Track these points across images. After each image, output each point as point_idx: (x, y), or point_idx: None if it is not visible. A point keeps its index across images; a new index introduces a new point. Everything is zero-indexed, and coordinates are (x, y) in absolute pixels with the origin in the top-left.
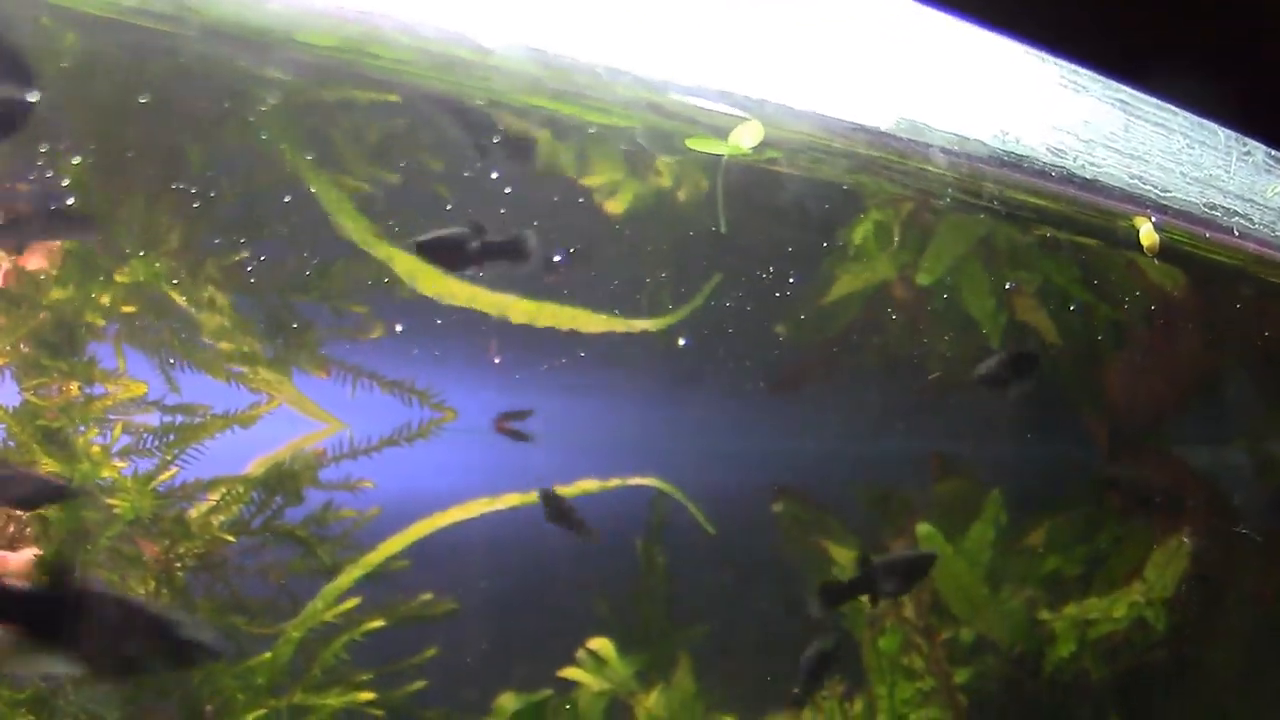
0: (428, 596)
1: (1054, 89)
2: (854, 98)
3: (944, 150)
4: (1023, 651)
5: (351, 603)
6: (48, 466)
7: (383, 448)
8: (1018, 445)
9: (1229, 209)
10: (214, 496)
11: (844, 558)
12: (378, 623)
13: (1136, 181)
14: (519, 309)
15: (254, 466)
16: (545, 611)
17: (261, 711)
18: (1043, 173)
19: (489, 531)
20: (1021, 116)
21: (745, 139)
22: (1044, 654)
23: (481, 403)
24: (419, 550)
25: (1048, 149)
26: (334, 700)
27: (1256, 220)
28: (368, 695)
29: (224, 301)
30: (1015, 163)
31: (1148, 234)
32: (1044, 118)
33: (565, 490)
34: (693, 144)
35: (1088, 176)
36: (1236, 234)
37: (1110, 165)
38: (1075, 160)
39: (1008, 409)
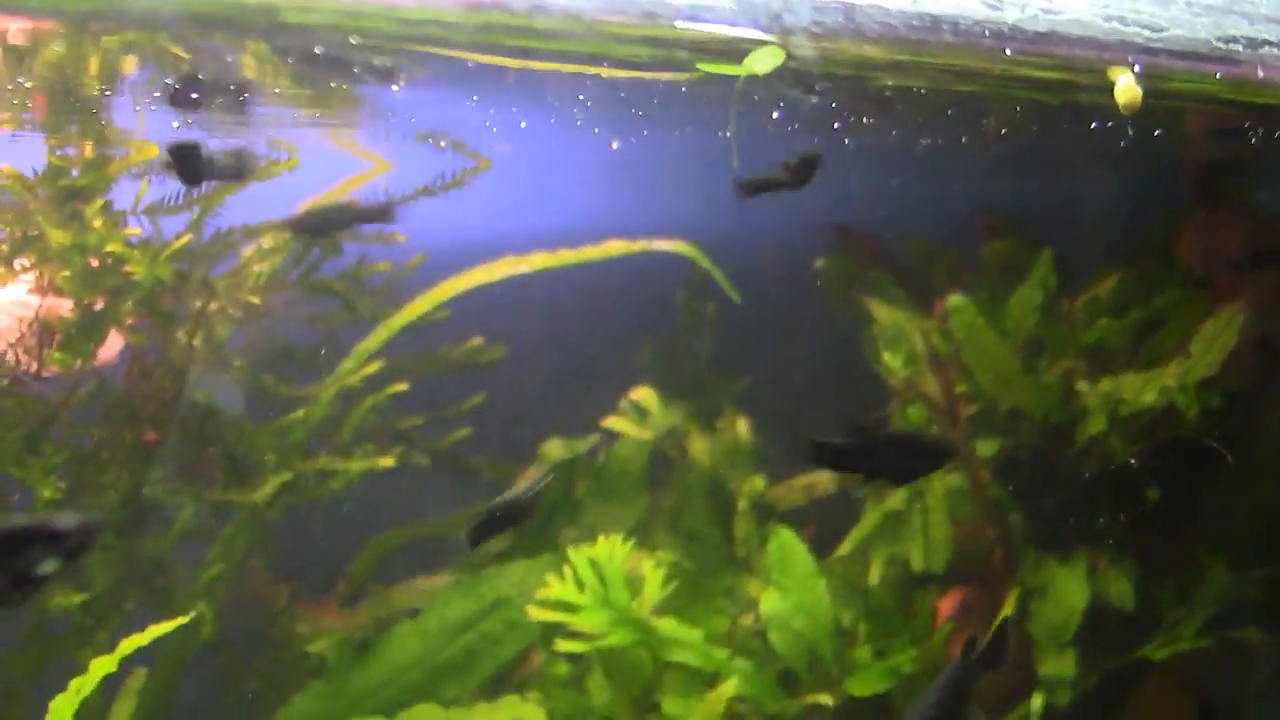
0: (478, 341)
1: None
2: None
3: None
4: (1057, 423)
5: (376, 365)
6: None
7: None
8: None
9: (1255, 39)
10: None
11: (888, 317)
12: (402, 386)
13: (1115, 25)
14: None
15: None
16: (591, 361)
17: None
18: (966, 32)
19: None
20: None
21: (760, 64)
22: (1076, 427)
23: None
24: (462, 302)
25: (983, 2)
26: (356, 464)
27: None
28: (388, 461)
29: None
30: (928, 27)
31: (1126, 88)
32: None
33: (592, 252)
34: (705, 67)
35: (1040, 30)
36: (1261, 71)
37: (1075, 9)
38: (1025, 10)
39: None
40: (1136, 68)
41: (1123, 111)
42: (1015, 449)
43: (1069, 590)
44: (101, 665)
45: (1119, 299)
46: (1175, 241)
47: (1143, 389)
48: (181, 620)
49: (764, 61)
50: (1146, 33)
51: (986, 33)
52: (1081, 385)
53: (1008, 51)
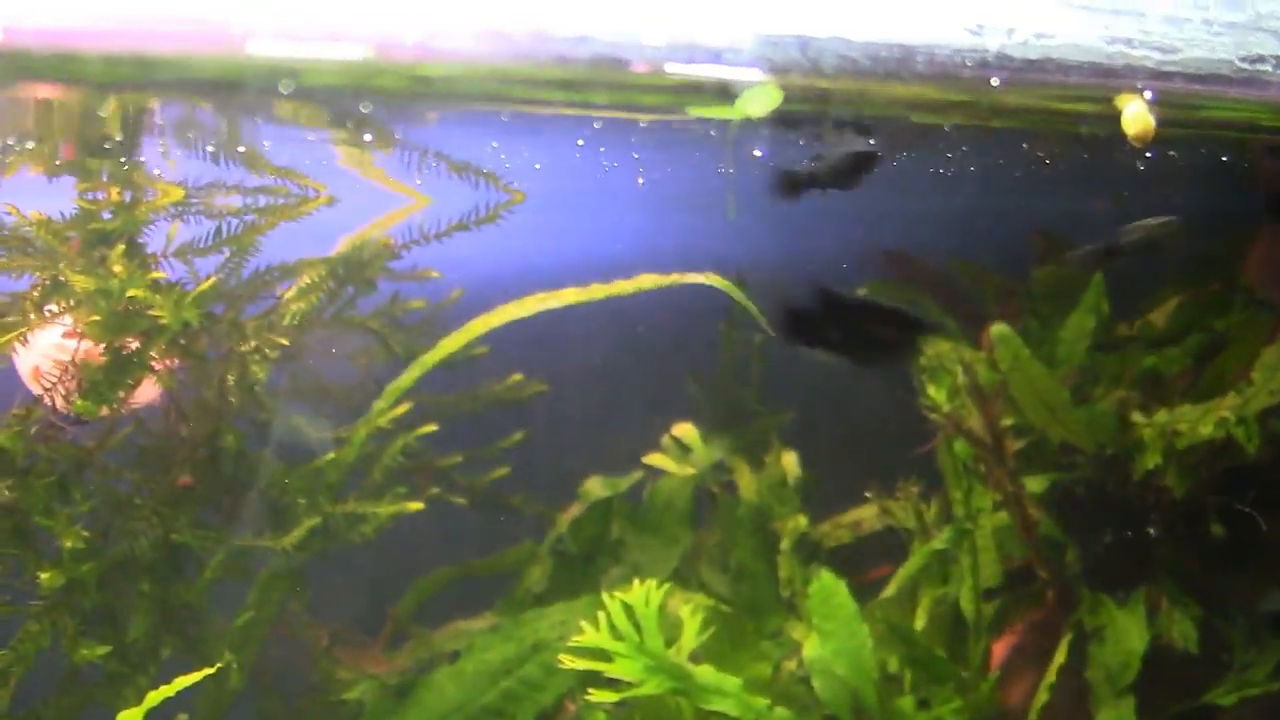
0: (517, 378)
1: None
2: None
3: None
4: (1114, 455)
5: (404, 407)
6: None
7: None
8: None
9: None
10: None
11: (932, 346)
12: (431, 427)
13: (1121, 48)
14: None
15: (342, 244)
16: (633, 395)
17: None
18: (944, 64)
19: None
20: None
21: (754, 106)
22: (1134, 461)
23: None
24: (500, 338)
25: (965, 28)
26: (384, 509)
27: None
28: (416, 505)
29: None
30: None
31: (1137, 116)
32: None
33: (624, 285)
34: (697, 111)
35: (1031, 57)
36: None
37: (1073, 34)
38: (1012, 36)
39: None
40: (1148, 94)
41: (1133, 143)
42: (1068, 484)
43: (1128, 632)
44: (129, 717)
45: (1178, 325)
46: (1240, 265)
47: (1200, 420)
48: (209, 671)
49: (758, 103)
50: (1157, 55)
51: (967, 62)
52: (1137, 417)
53: (995, 82)
